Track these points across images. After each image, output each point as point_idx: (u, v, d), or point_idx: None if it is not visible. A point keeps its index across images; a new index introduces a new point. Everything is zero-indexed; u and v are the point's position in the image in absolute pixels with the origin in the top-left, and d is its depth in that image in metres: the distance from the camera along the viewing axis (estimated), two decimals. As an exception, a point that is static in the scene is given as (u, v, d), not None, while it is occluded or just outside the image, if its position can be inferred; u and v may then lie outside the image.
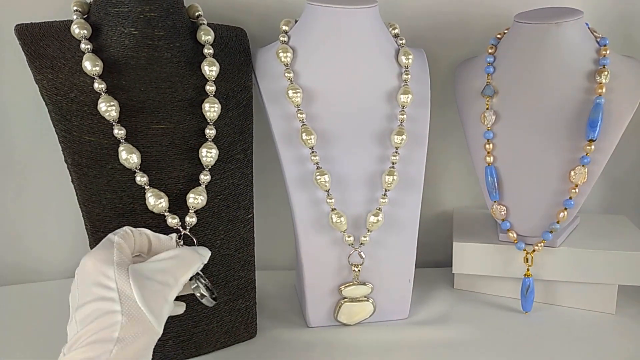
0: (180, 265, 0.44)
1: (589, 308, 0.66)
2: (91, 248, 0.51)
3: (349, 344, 0.59)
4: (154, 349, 0.41)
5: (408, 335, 0.61)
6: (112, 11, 0.51)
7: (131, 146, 0.50)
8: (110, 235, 0.43)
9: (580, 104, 0.60)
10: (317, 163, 0.58)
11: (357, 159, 0.60)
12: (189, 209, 0.52)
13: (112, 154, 0.50)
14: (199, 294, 0.48)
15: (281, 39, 0.60)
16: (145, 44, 0.52)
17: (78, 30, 0.51)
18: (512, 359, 0.56)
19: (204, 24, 0.57)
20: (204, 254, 0.47)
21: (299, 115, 0.57)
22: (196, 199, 0.52)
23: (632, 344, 0.59)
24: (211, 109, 0.54)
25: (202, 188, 0.53)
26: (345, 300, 0.61)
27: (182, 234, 0.51)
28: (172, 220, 0.51)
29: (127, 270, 0.40)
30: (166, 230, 0.51)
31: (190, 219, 0.52)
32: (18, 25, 0.51)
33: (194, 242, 0.52)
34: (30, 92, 0.54)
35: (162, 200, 0.50)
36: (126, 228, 0.44)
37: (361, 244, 0.59)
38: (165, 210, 0.51)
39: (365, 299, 0.61)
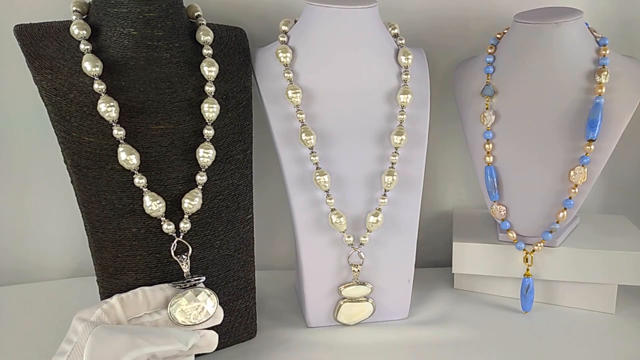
0: (158, 337, 0.44)
1: (589, 308, 0.65)
2: (91, 248, 0.51)
3: (349, 344, 0.59)
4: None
5: (408, 335, 0.61)
6: (111, 12, 0.51)
7: (130, 147, 0.50)
8: (109, 299, 0.47)
9: (580, 104, 0.60)
10: (316, 163, 0.58)
11: (357, 159, 0.60)
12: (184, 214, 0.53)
13: (112, 155, 0.50)
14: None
15: (281, 39, 0.60)
16: (145, 45, 0.52)
17: (77, 30, 0.51)
18: (512, 359, 0.56)
19: (203, 24, 0.57)
20: (187, 343, 0.46)
21: (298, 115, 0.57)
22: (191, 203, 0.52)
23: (632, 344, 0.59)
24: (210, 110, 0.54)
25: (197, 190, 0.53)
26: (345, 300, 0.61)
27: (176, 241, 0.52)
28: (168, 227, 0.51)
29: (93, 328, 0.43)
30: (163, 234, 0.52)
31: (185, 225, 0.52)
32: (17, 25, 0.51)
33: (188, 248, 0.52)
34: (30, 93, 0.54)
35: (159, 205, 0.50)
36: (123, 294, 0.48)
37: (361, 244, 0.59)
38: (162, 215, 0.51)
39: (365, 299, 0.61)
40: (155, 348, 0.44)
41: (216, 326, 0.56)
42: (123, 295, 0.48)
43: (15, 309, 0.66)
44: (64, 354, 0.43)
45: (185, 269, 0.52)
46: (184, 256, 0.52)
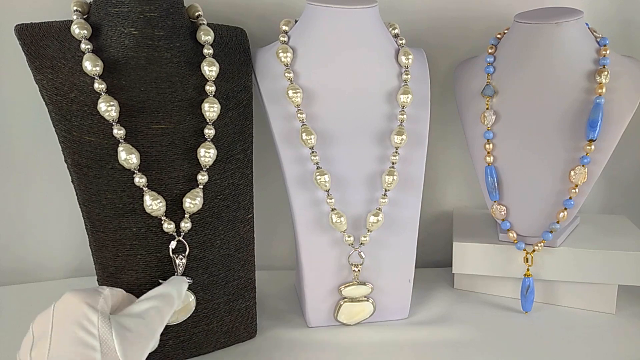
0: (158, 317, 0.46)
1: (589, 308, 0.66)
2: (91, 247, 0.51)
3: (349, 344, 0.59)
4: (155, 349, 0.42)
5: (408, 335, 0.61)
6: (112, 11, 0.51)
7: (130, 146, 0.50)
8: (98, 287, 0.46)
9: (580, 104, 0.60)
10: (317, 163, 0.58)
11: (357, 159, 0.60)
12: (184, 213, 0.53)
13: (112, 154, 0.50)
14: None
15: (281, 39, 0.60)
16: (145, 44, 0.52)
17: (78, 30, 0.51)
18: (512, 359, 0.56)
19: (203, 24, 0.57)
20: (180, 290, 0.49)
21: (299, 115, 0.57)
22: (192, 202, 0.52)
23: (632, 344, 0.59)
24: (210, 109, 0.54)
25: (198, 190, 0.53)
26: (345, 300, 0.61)
27: (175, 240, 0.52)
28: (168, 226, 0.51)
29: (109, 320, 0.42)
30: (163, 233, 0.52)
31: (185, 224, 0.52)
32: (18, 25, 0.51)
33: (186, 248, 0.52)
34: (31, 92, 0.54)
35: (159, 204, 0.50)
36: (113, 289, 0.47)
37: (361, 244, 0.59)
38: (162, 215, 0.51)
39: (365, 299, 0.61)
40: (167, 318, 0.46)
41: (216, 326, 0.56)
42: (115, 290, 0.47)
43: (15, 309, 0.66)
44: (93, 349, 0.41)
45: (179, 268, 0.52)
46: (181, 256, 0.52)
